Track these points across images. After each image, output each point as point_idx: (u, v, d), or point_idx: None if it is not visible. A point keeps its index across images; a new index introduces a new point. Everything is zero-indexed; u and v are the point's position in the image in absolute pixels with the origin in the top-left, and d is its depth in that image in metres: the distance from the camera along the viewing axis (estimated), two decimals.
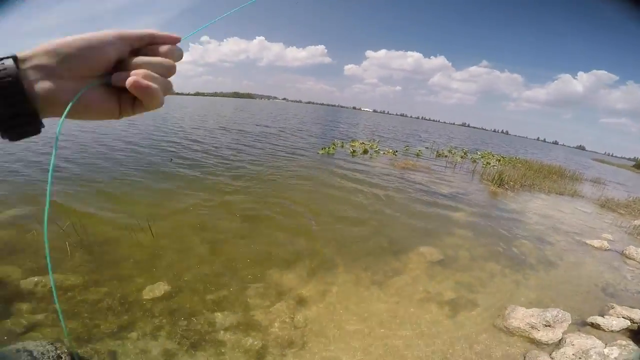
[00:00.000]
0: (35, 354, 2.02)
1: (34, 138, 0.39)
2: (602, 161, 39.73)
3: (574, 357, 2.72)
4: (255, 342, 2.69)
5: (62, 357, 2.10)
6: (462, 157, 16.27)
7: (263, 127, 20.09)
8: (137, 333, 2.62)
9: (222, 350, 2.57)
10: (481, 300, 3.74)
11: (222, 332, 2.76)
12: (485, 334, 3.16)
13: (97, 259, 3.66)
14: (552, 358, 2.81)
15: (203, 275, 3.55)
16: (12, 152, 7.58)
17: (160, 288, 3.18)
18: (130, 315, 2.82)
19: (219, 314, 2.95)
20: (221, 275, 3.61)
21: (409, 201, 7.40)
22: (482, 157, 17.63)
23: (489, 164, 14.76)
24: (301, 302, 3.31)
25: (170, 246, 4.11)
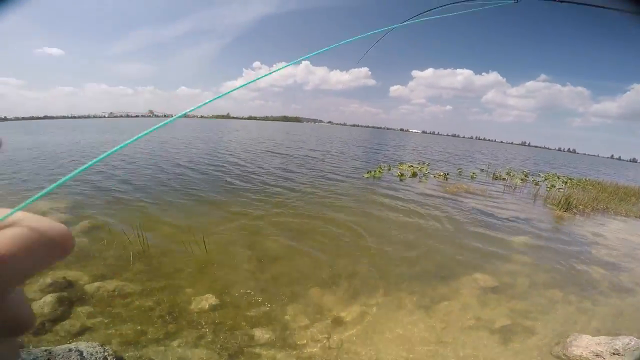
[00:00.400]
0: (85, 354, 2.19)
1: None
2: None
3: None
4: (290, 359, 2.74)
5: (107, 359, 2.28)
6: (522, 180, 14.94)
7: (308, 150, 20.62)
8: (179, 341, 2.79)
9: None
10: (539, 328, 3.44)
11: (259, 347, 2.85)
12: None
13: (155, 269, 4.01)
14: None
15: (248, 290, 3.71)
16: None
17: (207, 300, 3.37)
18: (177, 324, 3.02)
19: (258, 329, 3.06)
20: (264, 291, 3.74)
21: (462, 225, 7.01)
22: (545, 179, 16.08)
23: (554, 186, 13.41)
24: (338, 323, 3.31)
25: (220, 261, 4.41)
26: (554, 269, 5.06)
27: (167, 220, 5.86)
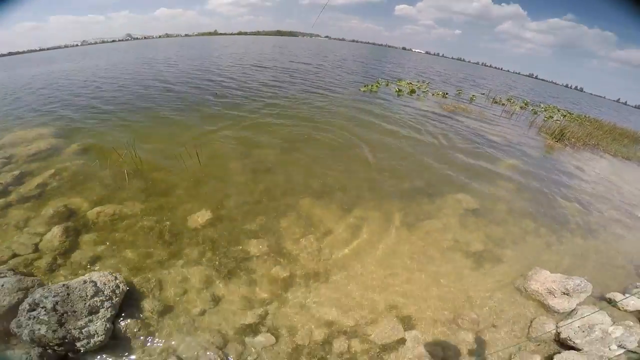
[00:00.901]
0: (98, 284, 2.31)
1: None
2: None
3: (578, 329, 2.63)
4: (283, 272, 2.89)
5: (119, 287, 2.41)
6: (521, 108, 14.46)
7: (300, 64, 18.94)
8: (182, 261, 2.91)
9: (253, 278, 2.81)
10: (508, 257, 3.59)
11: (254, 259, 2.99)
12: (503, 292, 3.08)
13: (151, 187, 3.98)
14: (557, 327, 2.73)
15: (242, 203, 3.78)
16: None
17: (204, 215, 3.45)
18: (178, 243, 3.12)
19: (253, 240, 3.18)
20: (258, 203, 3.81)
21: (454, 143, 7.00)
22: (545, 109, 15.54)
23: (552, 117, 13.03)
24: (329, 235, 3.42)
25: (215, 173, 4.38)
26: (532, 199, 5.11)
27: (158, 135, 5.65)
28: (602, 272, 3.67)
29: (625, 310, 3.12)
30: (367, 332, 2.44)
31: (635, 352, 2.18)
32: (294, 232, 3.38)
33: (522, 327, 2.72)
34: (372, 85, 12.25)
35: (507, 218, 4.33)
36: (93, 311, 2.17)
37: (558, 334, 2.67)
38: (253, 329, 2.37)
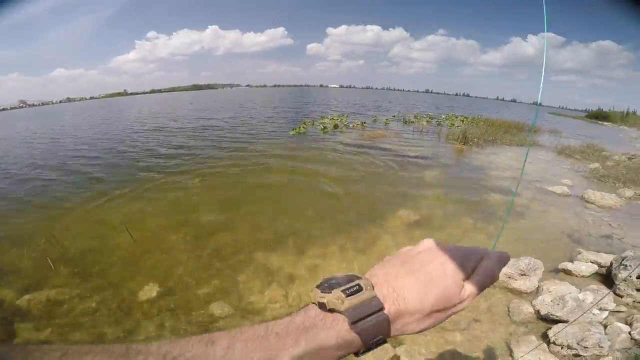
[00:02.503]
0: None
1: None
2: (558, 114, 42.29)
3: (552, 303, 2.77)
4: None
5: None
6: (427, 122, 16.85)
7: (228, 118, 18.36)
8: (142, 335, 2.67)
9: None
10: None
11: (221, 321, 2.85)
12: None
13: (84, 271, 3.60)
14: (533, 306, 2.88)
15: (192, 269, 3.58)
16: None
17: (153, 289, 3.21)
18: (132, 319, 2.86)
19: (215, 304, 3.02)
20: (210, 266, 3.65)
21: (382, 168, 7.70)
22: (446, 119, 18.26)
23: (454, 124, 15.42)
24: (292, 280, 3.40)
25: (153, 247, 4.09)
26: (461, 199, 5.81)
27: (77, 216, 5.16)
28: (544, 248, 4.07)
29: (583, 276, 3.40)
30: None
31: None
32: (255, 286, 3.30)
33: (501, 314, 2.89)
34: (299, 128, 12.96)
35: (445, 222, 4.78)
36: None
37: (537, 311, 2.83)
38: None
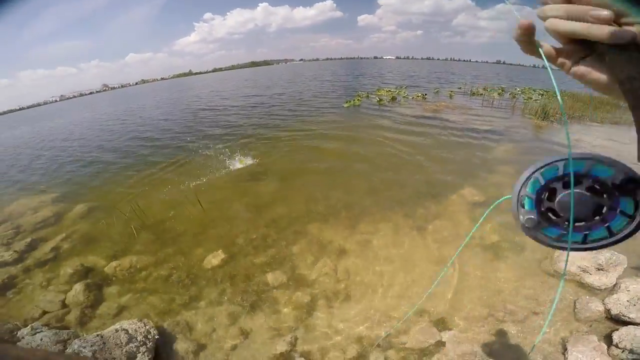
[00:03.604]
0: (130, 331, 2.41)
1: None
2: None
3: (628, 304, 2.47)
4: (305, 297, 2.91)
5: (150, 332, 2.50)
6: (499, 94, 14.92)
7: (281, 94, 18.55)
8: (204, 301, 2.96)
9: (277, 308, 2.84)
10: (528, 242, 3.50)
11: (274, 290, 3.02)
12: (533, 278, 3.01)
13: (160, 237, 4.06)
14: (604, 304, 2.60)
15: (251, 238, 3.83)
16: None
17: (217, 257, 3.50)
18: (197, 285, 3.17)
19: (270, 274, 3.20)
20: (267, 236, 3.85)
21: (444, 141, 7.14)
22: (522, 92, 16.02)
23: (531, 98, 13.42)
24: (342, 254, 3.44)
25: (219, 216, 4.45)
26: None
27: (157, 186, 5.75)
28: (632, 242, 3.56)
29: None
30: (402, 340, 2.42)
31: None
32: (307, 258, 3.41)
33: (566, 310, 2.64)
34: (354, 100, 12.55)
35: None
36: (131, 357, 2.25)
37: (608, 310, 2.55)
38: (286, 357, 2.37)
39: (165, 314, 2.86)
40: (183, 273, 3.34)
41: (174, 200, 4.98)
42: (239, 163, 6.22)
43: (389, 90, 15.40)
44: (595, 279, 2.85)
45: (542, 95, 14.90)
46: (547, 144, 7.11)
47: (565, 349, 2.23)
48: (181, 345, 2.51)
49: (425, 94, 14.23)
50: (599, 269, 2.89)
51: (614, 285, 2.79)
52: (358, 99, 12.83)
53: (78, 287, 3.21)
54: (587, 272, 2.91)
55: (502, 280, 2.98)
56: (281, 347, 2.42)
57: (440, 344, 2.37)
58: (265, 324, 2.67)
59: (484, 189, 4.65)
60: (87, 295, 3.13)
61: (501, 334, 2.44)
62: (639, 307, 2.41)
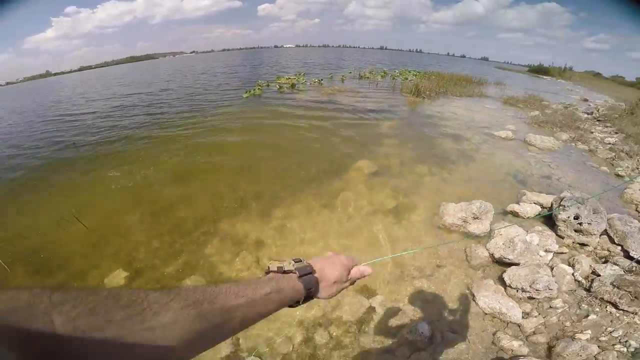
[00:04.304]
0: None
1: None
2: (503, 68, 45.62)
3: (504, 246, 2.79)
4: None
5: None
6: (382, 77, 16.99)
7: (169, 90, 16.05)
8: None
9: None
10: (418, 201, 4.05)
11: None
12: (429, 234, 3.39)
13: (43, 267, 3.31)
14: (487, 249, 2.91)
15: (155, 248, 3.41)
16: None
17: (119, 275, 3.05)
18: None
19: (187, 280, 2.96)
20: (174, 243, 3.47)
21: (340, 122, 7.82)
22: (400, 74, 18.50)
23: (407, 79, 15.73)
24: (261, 244, 3.37)
25: (109, 232, 3.78)
26: (415, 147, 6.13)
27: (21, 211, 4.56)
28: (493, 190, 4.29)
29: (528, 218, 3.45)
30: (338, 315, 2.51)
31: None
32: (224, 256, 3.23)
33: (460, 258, 3.01)
34: (254, 90, 12.37)
35: (402, 170, 4.99)
36: None
37: (492, 255, 2.86)
38: (235, 359, 2.24)
39: None
40: None
41: (46, 224, 4.05)
42: (117, 172, 5.30)
43: (289, 78, 15.77)
44: (475, 227, 3.24)
45: (415, 75, 17.51)
46: (421, 117, 8.61)
47: (473, 296, 2.54)
48: None
49: (322, 80, 15.10)
50: (475, 218, 3.28)
51: (489, 231, 3.16)
52: (259, 89, 12.71)
53: None
54: (467, 222, 3.30)
55: (405, 240, 3.32)
56: (225, 351, 2.26)
57: (372, 310, 2.53)
58: None
59: (376, 160, 5.27)
60: None
61: (417, 288, 2.71)
62: (512, 248, 2.78)
